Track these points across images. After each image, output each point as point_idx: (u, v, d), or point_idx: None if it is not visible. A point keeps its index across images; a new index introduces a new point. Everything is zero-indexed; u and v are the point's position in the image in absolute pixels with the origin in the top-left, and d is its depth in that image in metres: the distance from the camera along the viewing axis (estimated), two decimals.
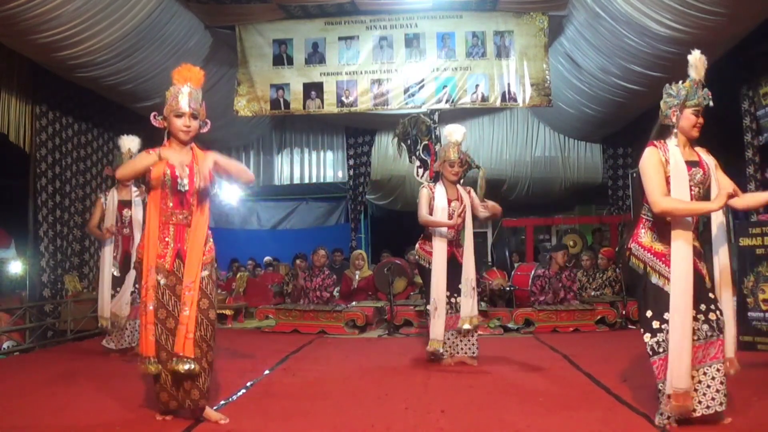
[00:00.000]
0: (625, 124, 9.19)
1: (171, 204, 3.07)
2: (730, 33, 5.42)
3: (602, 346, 5.53)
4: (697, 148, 2.96)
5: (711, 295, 2.86)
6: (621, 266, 7.66)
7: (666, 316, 2.75)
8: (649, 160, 2.83)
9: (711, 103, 2.90)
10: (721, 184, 2.89)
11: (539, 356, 5.05)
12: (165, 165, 3.04)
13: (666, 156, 2.82)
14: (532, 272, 7.39)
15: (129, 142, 5.20)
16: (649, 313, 2.82)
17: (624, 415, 3.13)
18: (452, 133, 4.67)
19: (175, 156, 3.10)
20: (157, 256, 3.01)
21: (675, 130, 2.88)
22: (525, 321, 6.58)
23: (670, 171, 2.79)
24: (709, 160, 2.93)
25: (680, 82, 2.94)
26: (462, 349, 4.67)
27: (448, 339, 4.64)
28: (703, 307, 2.81)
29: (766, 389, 3.62)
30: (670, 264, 2.78)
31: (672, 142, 2.87)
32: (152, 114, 3.16)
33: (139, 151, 5.25)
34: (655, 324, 2.79)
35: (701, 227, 3.04)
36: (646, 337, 2.82)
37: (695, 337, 2.75)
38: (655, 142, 2.89)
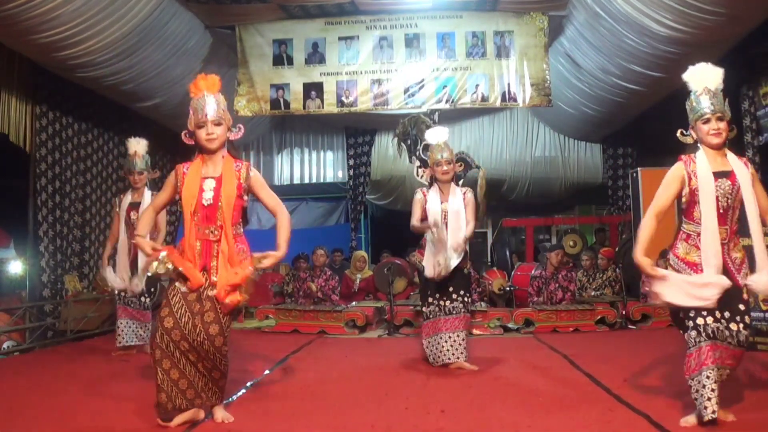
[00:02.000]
0: (625, 124, 9.19)
1: (197, 219, 3.06)
2: (730, 33, 5.42)
3: (602, 346, 5.53)
4: (733, 158, 3.02)
5: (741, 306, 2.96)
6: (621, 266, 7.67)
7: (691, 314, 2.88)
8: (669, 174, 3.02)
9: (716, 107, 2.94)
10: (758, 198, 3.02)
11: (539, 356, 5.05)
12: (199, 180, 3.07)
13: (691, 169, 2.96)
14: (531, 273, 7.40)
15: (135, 145, 5.19)
16: (681, 314, 2.94)
17: (624, 415, 3.13)
18: (433, 136, 4.64)
19: (206, 169, 3.12)
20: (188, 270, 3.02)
21: (699, 144, 3.01)
22: (525, 321, 6.58)
23: (698, 183, 2.93)
24: (742, 171, 2.97)
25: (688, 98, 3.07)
26: (449, 353, 4.43)
27: (430, 343, 4.53)
28: (727, 314, 2.89)
29: (767, 389, 3.62)
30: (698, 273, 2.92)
31: (700, 154, 2.98)
32: (183, 133, 3.14)
33: (148, 153, 5.26)
34: (689, 323, 2.89)
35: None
36: (687, 335, 2.92)
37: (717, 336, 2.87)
38: (683, 156, 3.02)
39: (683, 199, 3.00)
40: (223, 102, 3.15)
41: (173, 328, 2.95)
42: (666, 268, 3.01)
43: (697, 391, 2.81)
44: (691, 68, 3.03)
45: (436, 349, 4.49)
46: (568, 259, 8.63)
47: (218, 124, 3.08)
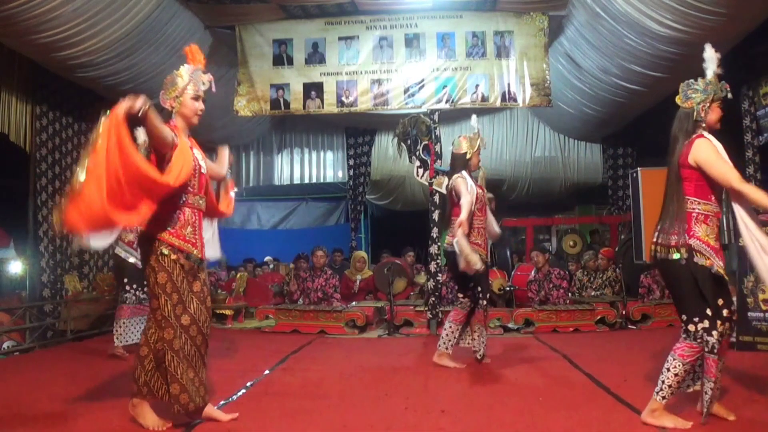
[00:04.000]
0: (625, 124, 9.19)
1: (194, 187, 2.99)
2: (730, 33, 5.42)
3: (602, 346, 5.54)
4: None
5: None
6: (621, 266, 7.68)
7: (728, 301, 2.83)
8: (711, 147, 2.87)
9: (730, 95, 2.98)
10: None
11: (539, 356, 5.05)
12: (189, 149, 2.96)
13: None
14: (528, 278, 7.43)
15: (144, 134, 5.14)
16: (720, 302, 2.82)
17: (624, 415, 3.13)
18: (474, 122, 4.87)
19: (183, 139, 2.98)
20: (190, 243, 2.93)
21: (703, 124, 2.97)
22: (525, 321, 6.58)
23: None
24: None
25: (701, 78, 3.03)
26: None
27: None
28: (720, 301, 2.83)
29: (767, 389, 3.62)
30: (720, 255, 2.83)
31: (710, 136, 2.95)
32: (162, 94, 3.03)
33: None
34: (725, 312, 2.81)
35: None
36: (714, 335, 2.80)
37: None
38: (703, 133, 2.95)
39: (706, 178, 2.86)
40: None
41: (191, 324, 2.90)
42: (689, 255, 2.81)
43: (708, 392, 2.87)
44: (710, 49, 3.01)
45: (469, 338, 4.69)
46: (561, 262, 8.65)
47: (204, 102, 3.05)
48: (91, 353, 5.37)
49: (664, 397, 2.89)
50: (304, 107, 7.49)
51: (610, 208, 10.51)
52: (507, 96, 7.26)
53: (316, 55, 7.44)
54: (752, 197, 2.73)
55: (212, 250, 4.42)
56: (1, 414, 3.30)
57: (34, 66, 6.09)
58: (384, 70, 7.39)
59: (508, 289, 7.83)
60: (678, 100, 3.07)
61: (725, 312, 2.81)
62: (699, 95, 2.98)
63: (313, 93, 7.45)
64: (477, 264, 4.08)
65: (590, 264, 7.60)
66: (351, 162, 10.94)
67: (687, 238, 2.83)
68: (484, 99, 7.29)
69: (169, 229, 2.87)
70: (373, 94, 7.39)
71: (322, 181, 11.49)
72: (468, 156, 4.63)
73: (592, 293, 7.38)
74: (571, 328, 6.43)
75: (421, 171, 6.78)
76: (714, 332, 2.80)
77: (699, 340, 2.85)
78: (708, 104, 2.97)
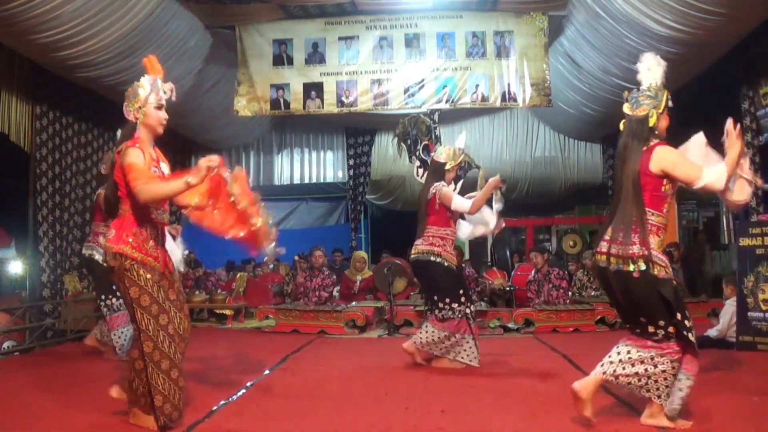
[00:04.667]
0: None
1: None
2: (730, 33, 5.43)
3: (602, 346, 5.48)
4: None
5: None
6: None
7: (687, 313, 2.81)
8: (674, 150, 2.86)
9: (671, 104, 2.97)
10: None
11: (539, 356, 5.05)
12: (154, 162, 2.96)
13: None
14: (528, 278, 7.42)
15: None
16: (679, 316, 2.79)
17: (624, 415, 3.13)
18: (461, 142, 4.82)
19: (147, 151, 2.95)
20: (153, 257, 2.93)
21: (656, 131, 2.93)
22: (525, 321, 6.58)
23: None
24: None
25: (651, 84, 3.00)
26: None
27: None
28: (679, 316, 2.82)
29: (767, 389, 3.62)
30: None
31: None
32: (127, 106, 2.99)
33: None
34: (688, 323, 2.79)
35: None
36: (690, 336, 2.78)
37: None
38: (661, 142, 2.93)
39: (663, 188, 2.85)
40: None
41: (169, 323, 2.91)
42: (649, 268, 2.77)
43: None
44: (655, 57, 3.05)
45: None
46: (567, 260, 8.65)
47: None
48: (91, 353, 5.36)
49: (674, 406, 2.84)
50: (304, 107, 7.49)
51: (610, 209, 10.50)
52: (507, 96, 7.27)
53: (316, 55, 7.44)
54: (722, 172, 2.72)
55: (176, 257, 4.49)
56: (1, 414, 3.30)
57: (34, 66, 6.09)
58: (384, 70, 7.39)
59: (508, 289, 7.83)
60: (626, 108, 2.99)
61: (687, 323, 2.79)
62: (651, 101, 2.94)
63: (313, 93, 7.45)
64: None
65: (587, 263, 7.61)
66: (351, 162, 10.94)
67: (645, 250, 2.76)
68: (484, 99, 7.30)
69: (131, 242, 2.89)
70: (373, 94, 7.40)
71: (322, 181, 11.49)
72: (447, 167, 4.64)
73: (592, 293, 7.38)
74: (571, 328, 6.43)
75: (421, 171, 6.78)
76: (691, 333, 2.78)
77: (671, 341, 2.81)
78: (660, 111, 2.93)
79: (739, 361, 4.54)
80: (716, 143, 2.94)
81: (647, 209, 2.85)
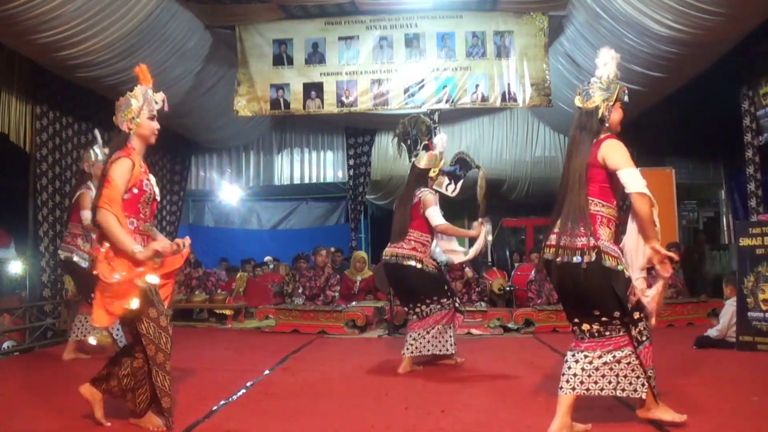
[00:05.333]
0: (625, 124, 9.13)
1: (147, 213, 2.99)
2: (730, 33, 5.42)
3: None
4: None
5: None
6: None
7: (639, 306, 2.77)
8: (623, 148, 2.81)
9: (627, 98, 2.94)
10: None
11: (539, 356, 5.05)
12: (144, 174, 2.97)
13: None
14: (529, 278, 7.43)
15: (100, 153, 5.09)
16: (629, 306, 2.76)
17: (624, 415, 3.13)
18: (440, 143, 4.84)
19: (138, 162, 2.96)
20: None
21: (607, 124, 2.91)
22: (525, 321, 6.58)
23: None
24: None
25: (603, 77, 3.02)
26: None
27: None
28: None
29: (767, 389, 3.61)
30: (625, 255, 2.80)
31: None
32: (118, 117, 2.99)
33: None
34: (636, 315, 2.77)
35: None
36: (632, 330, 2.78)
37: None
38: (612, 134, 2.91)
39: (611, 180, 2.82)
40: None
41: (168, 325, 2.94)
42: (597, 258, 2.71)
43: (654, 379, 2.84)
44: (609, 51, 3.08)
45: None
46: None
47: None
48: (91, 353, 5.36)
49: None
50: (304, 107, 7.49)
51: None
52: (507, 96, 7.27)
53: (316, 55, 7.44)
54: (638, 207, 2.71)
55: None
56: (1, 414, 3.30)
57: (34, 66, 6.09)
58: (384, 70, 7.39)
59: (508, 289, 7.83)
60: (578, 101, 2.99)
61: (635, 315, 2.77)
62: (603, 93, 2.94)
63: (313, 93, 7.45)
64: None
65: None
66: (351, 162, 10.94)
67: (594, 240, 2.72)
68: (484, 99, 7.29)
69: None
70: (373, 94, 7.39)
71: (322, 181, 11.49)
72: (431, 174, 4.68)
73: None
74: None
75: None
76: (639, 324, 2.77)
77: (620, 333, 2.79)
78: (611, 103, 2.92)
79: (739, 361, 4.54)
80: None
81: (598, 200, 2.82)
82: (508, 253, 10.86)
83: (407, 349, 4.49)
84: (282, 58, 7.48)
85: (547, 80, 7.19)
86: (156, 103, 3.03)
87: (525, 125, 10.52)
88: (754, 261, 4.96)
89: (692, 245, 10.18)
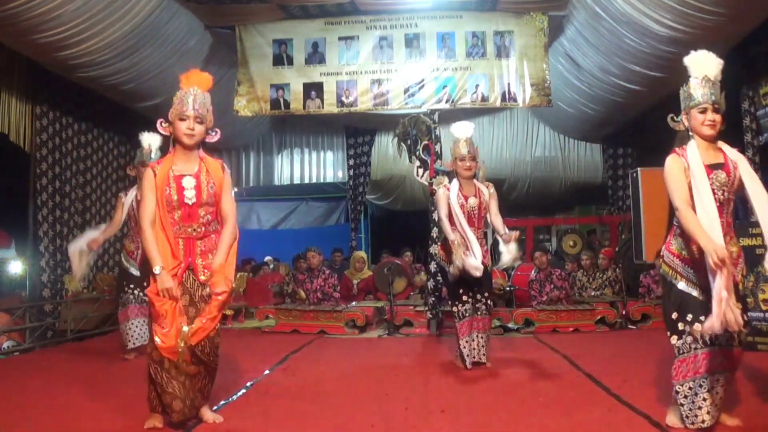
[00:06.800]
0: (625, 124, 9.19)
1: (178, 217, 2.96)
2: (730, 33, 5.42)
3: (602, 346, 5.53)
4: (725, 147, 2.91)
5: (739, 303, 2.69)
6: (621, 266, 7.67)
7: (689, 317, 2.77)
8: (671, 168, 2.84)
9: (715, 98, 2.83)
10: (749, 189, 2.82)
11: (539, 356, 5.05)
12: (171, 176, 2.96)
13: (687, 161, 2.81)
14: (529, 277, 7.42)
15: (149, 139, 5.07)
16: (674, 315, 2.82)
17: (624, 415, 3.13)
18: (459, 130, 4.58)
19: (182, 165, 2.99)
20: (169, 270, 2.92)
21: (690, 133, 2.89)
22: (525, 321, 6.58)
23: (691, 176, 2.77)
24: (735, 158, 2.86)
25: (685, 84, 2.94)
26: (480, 353, 4.52)
27: (468, 343, 4.49)
28: (675, 315, 2.84)
29: (767, 389, 3.62)
30: (697, 269, 2.78)
31: (692, 146, 2.84)
32: (158, 121, 3.07)
33: (160, 148, 4.97)
34: (680, 326, 2.80)
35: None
36: (673, 339, 2.84)
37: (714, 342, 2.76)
38: (676, 149, 2.89)
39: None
40: (209, 102, 3.13)
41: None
42: (659, 265, 2.96)
43: (686, 397, 2.78)
44: (693, 53, 2.90)
45: (471, 348, 4.49)
46: (566, 260, 8.63)
47: (200, 122, 3.04)
48: (91, 353, 5.37)
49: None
50: (304, 107, 7.48)
51: (610, 208, 10.52)
52: (507, 96, 7.26)
53: (316, 55, 7.43)
54: (687, 229, 2.72)
55: None
56: (1, 414, 3.30)
57: (34, 66, 6.09)
58: (384, 70, 7.39)
59: (508, 289, 7.83)
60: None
61: (680, 325, 2.80)
62: (682, 102, 2.95)
63: (313, 93, 7.45)
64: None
65: (586, 263, 7.62)
66: (351, 162, 10.94)
67: (663, 249, 2.93)
68: (484, 99, 7.29)
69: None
70: (373, 94, 7.39)
71: (322, 181, 11.49)
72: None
73: (592, 293, 7.38)
74: (571, 328, 6.43)
75: (421, 171, 6.78)
76: (674, 336, 2.82)
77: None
78: (688, 111, 2.90)
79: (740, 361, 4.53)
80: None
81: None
82: None
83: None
84: (282, 58, 7.48)
85: (547, 80, 7.19)
86: (188, 103, 3.02)
87: (525, 125, 10.53)
88: (754, 261, 4.95)
89: None
